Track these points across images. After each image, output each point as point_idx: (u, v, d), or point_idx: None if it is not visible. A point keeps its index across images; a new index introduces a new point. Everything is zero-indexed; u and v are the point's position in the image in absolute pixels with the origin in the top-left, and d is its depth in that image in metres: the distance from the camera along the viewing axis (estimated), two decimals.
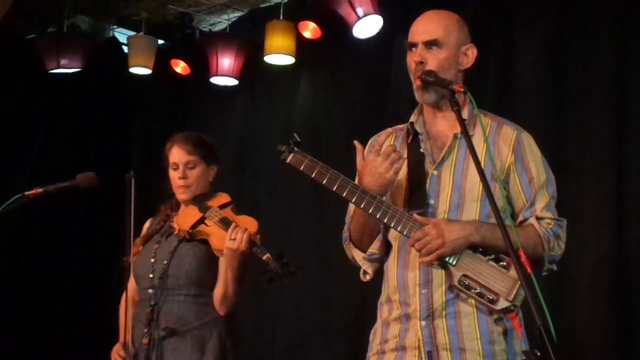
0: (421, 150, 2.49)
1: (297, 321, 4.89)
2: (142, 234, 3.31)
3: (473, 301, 2.33)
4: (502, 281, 2.28)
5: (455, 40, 2.46)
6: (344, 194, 2.38)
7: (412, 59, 2.47)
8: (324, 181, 2.39)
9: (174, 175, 3.23)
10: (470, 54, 2.49)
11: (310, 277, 4.68)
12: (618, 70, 3.75)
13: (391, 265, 2.48)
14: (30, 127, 5.70)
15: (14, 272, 5.36)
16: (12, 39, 5.55)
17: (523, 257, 1.94)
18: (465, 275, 2.31)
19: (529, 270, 1.91)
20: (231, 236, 2.99)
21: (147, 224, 3.36)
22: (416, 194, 2.43)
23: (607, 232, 3.67)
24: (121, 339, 3.15)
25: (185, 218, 3.16)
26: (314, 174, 2.41)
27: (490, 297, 2.28)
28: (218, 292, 3.10)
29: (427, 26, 2.48)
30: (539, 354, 1.78)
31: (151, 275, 3.12)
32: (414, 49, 2.48)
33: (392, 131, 2.62)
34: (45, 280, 5.45)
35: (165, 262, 3.12)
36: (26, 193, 2.79)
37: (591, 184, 3.74)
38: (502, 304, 2.27)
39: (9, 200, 2.75)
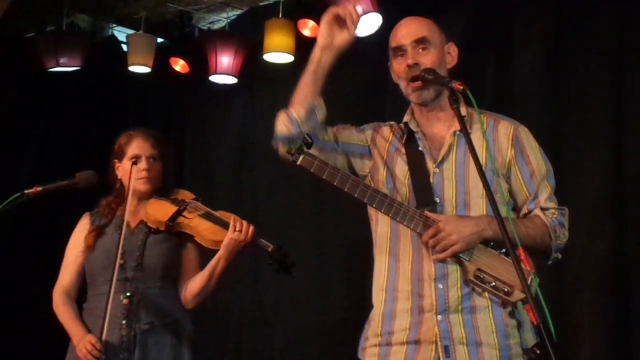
0: (420, 149, 2.50)
1: (296, 320, 4.89)
2: (89, 229, 3.28)
3: (487, 295, 2.36)
4: (514, 274, 2.25)
5: (439, 40, 2.51)
6: (356, 194, 2.42)
7: (403, 63, 2.48)
8: (335, 182, 2.43)
9: (132, 168, 3.21)
10: (453, 52, 2.54)
11: (310, 276, 4.68)
12: (617, 69, 3.76)
13: (404, 257, 2.47)
14: (29, 125, 5.70)
15: (12, 271, 5.35)
16: (11, 38, 5.55)
17: (522, 256, 1.94)
18: (479, 269, 2.33)
19: (528, 268, 1.92)
20: (236, 227, 3.04)
21: (86, 219, 3.34)
22: (422, 191, 2.45)
23: (607, 230, 3.67)
24: (78, 330, 3.10)
25: (160, 210, 3.15)
26: (325, 175, 2.44)
27: (506, 290, 2.31)
28: (196, 285, 3.11)
29: (411, 28, 2.52)
30: (538, 351, 1.78)
31: (123, 267, 3.10)
32: (401, 53, 2.49)
33: (395, 126, 2.64)
34: (43, 279, 5.44)
35: (137, 253, 3.14)
36: (25, 192, 2.78)
37: (590, 183, 3.74)
38: (517, 295, 2.30)
39: (8, 198, 2.75)
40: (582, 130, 3.85)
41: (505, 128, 2.49)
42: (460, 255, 2.35)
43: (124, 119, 5.93)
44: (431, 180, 2.45)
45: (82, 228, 3.31)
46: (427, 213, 2.38)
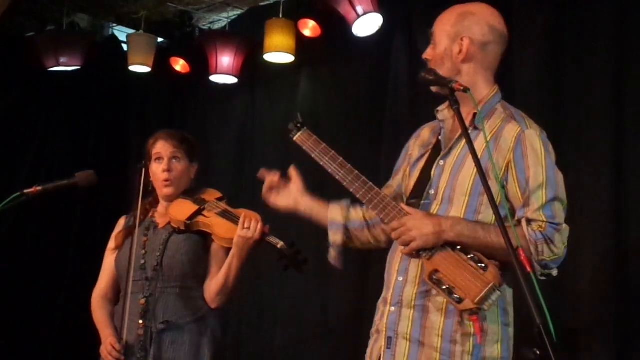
0: (440, 138, 2.51)
1: (296, 320, 4.89)
2: (119, 230, 3.30)
3: (444, 298, 2.31)
4: (473, 282, 2.24)
5: (443, 35, 2.48)
6: (338, 176, 2.49)
7: None
8: (322, 162, 2.53)
9: (157, 169, 3.24)
10: (462, 47, 2.45)
11: (310, 276, 4.67)
12: (617, 66, 3.74)
13: (390, 250, 2.53)
14: (29, 125, 5.70)
15: (11, 271, 5.35)
16: (12, 37, 5.55)
17: (522, 255, 1.92)
18: (436, 270, 2.30)
19: (528, 268, 1.90)
20: (244, 225, 3.05)
21: (121, 221, 3.34)
22: (420, 183, 2.47)
23: (606, 229, 3.66)
24: (106, 332, 3.12)
25: (181, 210, 3.16)
26: (315, 154, 2.55)
27: (457, 297, 2.25)
28: (216, 283, 3.11)
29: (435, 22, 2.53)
30: (538, 352, 1.77)
31: (143, 267, 3.12)
32: None
33: (437, 123, 2.61)
34: (42, 278, 5.45)
35: (158, 253, 3.13)
36: (25, 191, 2.78)
37: (590, 182, 3.72)
38: (467, 304, 2.24)
39: (7, 198, 2.75)
40: (581, 127, 3.83)
41: (512, 129, 2.38)
42: (421, 253, 2.33)
43: (124, 118, 5.94)
44: (433, 172, 2.45)
45: (117, 230, 3.33)
46: (402, 205, 2.40)
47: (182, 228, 3.14)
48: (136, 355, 3.04)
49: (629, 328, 3.57)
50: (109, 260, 3.29)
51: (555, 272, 2.38)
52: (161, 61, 5.50)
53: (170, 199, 3.24)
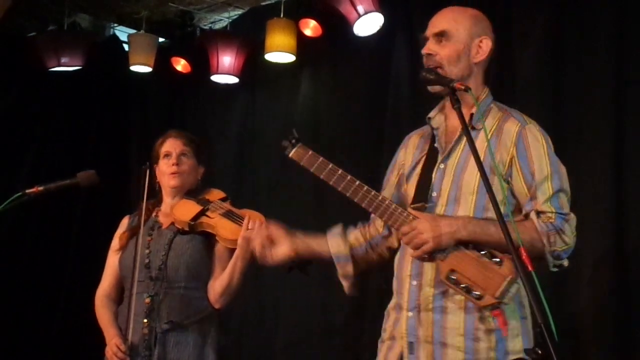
0: (435, 145, 2.50)
1: (297, 319, 4.89)
2: (122, 230, 3.30)
3: (462, 297, 2.31)
4: (490, 278, 2.24)
5: (464, 33, 2.47)
6: (340, 188, 2.45)
7: (424, 51, 2.51)
8: (322, 175, 2.47)
9: (164, 165, 3.24)
10: (484, 47, 2.48)
11: (311, 277, 4.67)
12: (617, 66, 3.75)
13: (397, 256, 2.53)
14: (29, 125, 5.70)
15: (11, 271, 5.35)
16: (13, 38, 5.55)
17: (524, 255, 1.93)
18: (453, 270, 2.29)
19: (529, 267, 1.91)
20: (248, 226, 3.05)
21: (125, 221, 3.35)
22: (422, 187, 2.46)
23: (606, 229, 3.66)
24: (111, 332, 3.12)
25: (184, 210, 3.17)
26: (313, 168, 2.48)
27: (477, 294, 2.25)
28: (220, 284, 3.13)
29: (437, 20, 2.52)
30: (540, 352, 1.78)
31: (147, 267, 3.12)
32: (427, 42, 2.51)
33: (426, 129, 2.61)
34: (42, 278, 5.44)
35: (162, 253, 3.13)
36: (27, 191, 2.78)
37: (590, 182, 3.73)
38: (488, 300, 2.24)
39: (8, 198, 2.75)
40: (581, 126, 3.83)
41: (512, 126, 2.41)
42: (435, 254, 2.33)
43: (124, 118, 5.94)
44: (434, 175, 2.45)
45: (121, 230, 3.33)
46: (410, 210, 2.39)
47: (186, 229, 3.14)
48: (140, 354, 3.04)
49: (629, 328, 3.57)
50: (113, 260, 3.30)
51: (566, 263, 2.40)
52: (162, 61, 5.50)
53: (176, 193, 3.25)
